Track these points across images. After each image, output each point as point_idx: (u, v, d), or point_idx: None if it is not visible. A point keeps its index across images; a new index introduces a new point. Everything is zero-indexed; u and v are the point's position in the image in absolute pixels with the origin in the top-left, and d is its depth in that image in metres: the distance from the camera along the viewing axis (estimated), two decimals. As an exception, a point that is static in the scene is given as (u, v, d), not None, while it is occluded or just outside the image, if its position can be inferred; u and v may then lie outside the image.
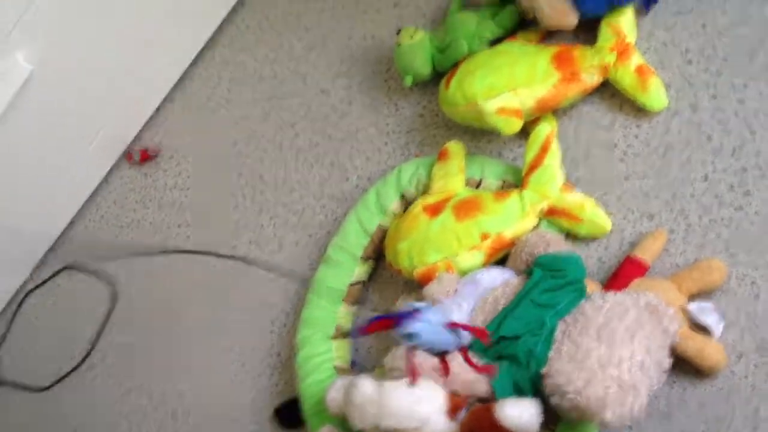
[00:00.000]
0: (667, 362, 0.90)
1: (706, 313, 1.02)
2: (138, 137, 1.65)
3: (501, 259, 1.17)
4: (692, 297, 1.06)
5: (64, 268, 1.67)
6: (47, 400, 1.59)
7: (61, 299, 1.66)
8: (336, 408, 1.05)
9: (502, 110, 1.17)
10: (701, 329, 1.03)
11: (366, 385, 0.93)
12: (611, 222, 1.16)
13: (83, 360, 1.57)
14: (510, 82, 1.17)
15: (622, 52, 1.15)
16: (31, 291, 1.69)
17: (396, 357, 1.02)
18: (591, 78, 1.17)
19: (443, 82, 1.26)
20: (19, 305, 1.69)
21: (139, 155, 1.63)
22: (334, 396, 1.06)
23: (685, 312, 1.02)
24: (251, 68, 1.58)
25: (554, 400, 0.90)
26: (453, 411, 0.92)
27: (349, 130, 1.45)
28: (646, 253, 1.09)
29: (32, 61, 1.30)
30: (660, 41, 1.20)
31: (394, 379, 0.95)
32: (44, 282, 1.68)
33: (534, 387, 0.94)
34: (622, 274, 1.09)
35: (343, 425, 1.07)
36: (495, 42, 1.27)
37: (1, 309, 1.69)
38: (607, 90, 1.20)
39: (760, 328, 1.04)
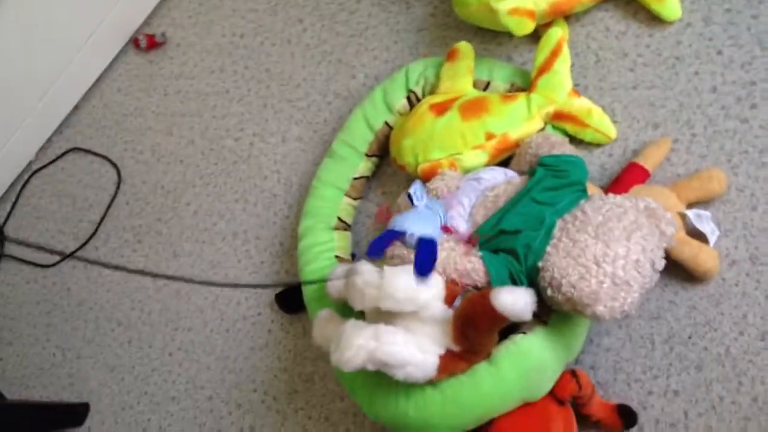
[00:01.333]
0: (661, 263, 0.92)
1: (703, 220, 1.05)
2: (146, 24, 1.63)
3: (504, 160, 1.19)
4: (691, 205, 1.08)
5: (70, 150, 1.68)
6: (52, 277, 1.63)
7: (66, 180, 1.68)
8: (336, 293, 1.08)
9: (515, 10, 1.16)
10: (697, 236, 1.05)
11: (367, 269, 0.96)
12: (616, 130, 1.17)
13: (88, 240, 1.60)
14: (525, -18, 1.16)
15: (640, -40, 1.15)
16: (37, 171, 1.71)
17: (396, 246, 1.04)
18: (606, -17, 1.16)
19: (458, -19, 1.25)
20: (24, 185, 1.71)
21: (146, 42, 1.62)
22: (335, 281, 1.08)
23: (683, 218, 1.05)
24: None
25: (548, 293, 0.93)
26: (450, 298, 0.95)
27: (358, 27, 1.44)
28: (648, 161, 1.11)
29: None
30: (679, -49, 1.19)
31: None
32: (50, 162, 1.70)
33: (529, 281, 0.96)
34: (624, 179, 1.11)
35: (342, 310, 1.10)
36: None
37: (6, 188, 1.70)
38: (622, -2, 1.20)
39: (755, 238, 1.07)
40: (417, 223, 1.01)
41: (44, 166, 1.70)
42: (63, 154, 1.69)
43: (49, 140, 1.69)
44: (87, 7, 1.51)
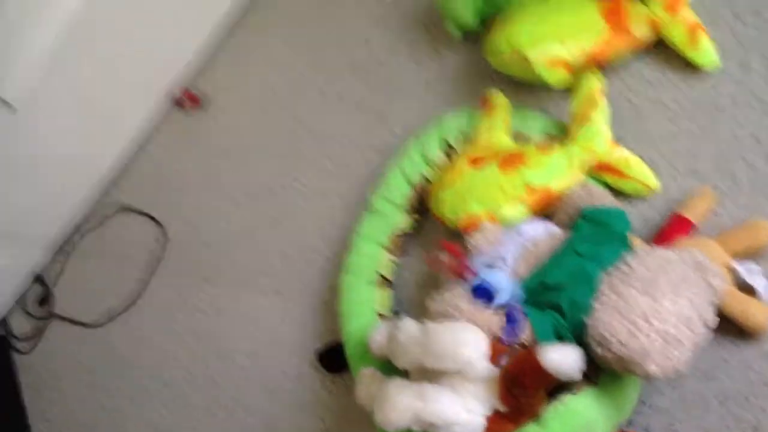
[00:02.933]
0: (713, 319, 0.90)
1: (753, 274, 1.02)
2: (188, 84, 1.67)
3: (545, 214, 1.18)
4: (737, 258, 1.05)
5: (117, 211, 1.71)
6: (100, 335, 1.65)
7: (113, 241, 1.71)
8: (378, 350, 1.08)
9: (551, 62, 1.17)
10: (747, 290, 1.02)
11: (411, 325, 0.96)
12: (657, 181, 1.16)
13: (134, 300, 1.63)
14: (557, 31, 1.17)
15: (674, 7, 1.14)
16: (85, 233, 1.74)
17: (438, 302, 1.04)
18: (640, 31, 1.16)
19: (490, 30, 1.26)
20: (73, 246, 1.74)
21: (189, 101, 1.66)
22: (377, 338, 1.08)
23: (732, 271, 1.02)
24: (295, 19, 1.60)
25: (597, 351, 0.91)
26: (495, 356, 0.94)
27: (391, 79, 1.45)
28: (692, 212, 1.09)
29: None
30: (711, 0, 1.19)
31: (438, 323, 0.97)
32: (98, 224, 1.73)
33: (575, 337, 0.95)
34: (668, 231, 1.09)
35: (385, 368, 1.10)
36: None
37: (57, 249, 1.74)
38: (657, 48, 1.20)
39: (807, 292, 1.04)
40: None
41: (92, 228, 1.73)
42: (111, 216, 1.72)
43: (97, 202, 1.72)
44: (129, 68, 1.55)
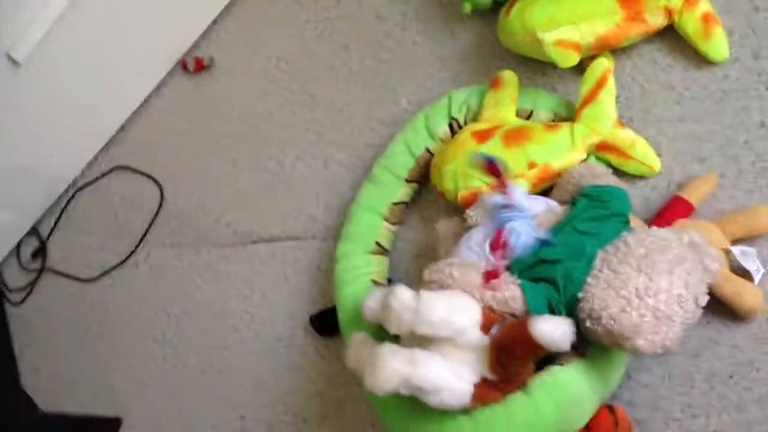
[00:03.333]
0: (704, 299, 0.90)
1: (749, 257, 1.03)
2: (194, 47, 1.66)
3: (546, 190, 1.18)
4: (736, 241, 1.06)
5: (114, 168, 1.71)
6: (92, 291, 1.66)
7: (109, 197, 1.71)
8: (371, 316, 1.08)
9: (560, 42, 1.16)
10: (742, 273, 1.03)
11: (404, 292, 0.95)
12: (661, 162, 1.16)
13: (129, 255, 1.63)
14: (572, 15, 1.16)
15: (691, -1, 1.14)
16: (81, 188, 1.74)
17: (433, 271, 1.04)
18: (655, 20, 1.15)
19: (503, 10, 1.25)
20: (69, 201, 1.74)
21: (194, 64, 1.65)
22: (371, 305, 1.08)
23: (728, 254, 1.03)
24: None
25: (588, 325, 0.91)
26: (487, 326, 0.94)
27: (403, 55, 1.44)
28: (693, 195, 1.09)
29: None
30: (728, -15, 1.18)
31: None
32: (94, 180, 1.73)
33: (568, 311, 0.95)
34: (667, 212, 1.09)
35: (377, 334, 1.10)
36: (560, -26, 1.25)
37: (52, 203, 1.74)
38: (670, 31, 1.19)
39: (802, 277, 1.04)
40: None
41: (89, 183, 1.73)
42: (108, 172, 1.72)
43: (95, 158, 1.72)
44: (137, 30, 1.54)
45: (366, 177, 1.36)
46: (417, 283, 1.10)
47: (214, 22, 1.65)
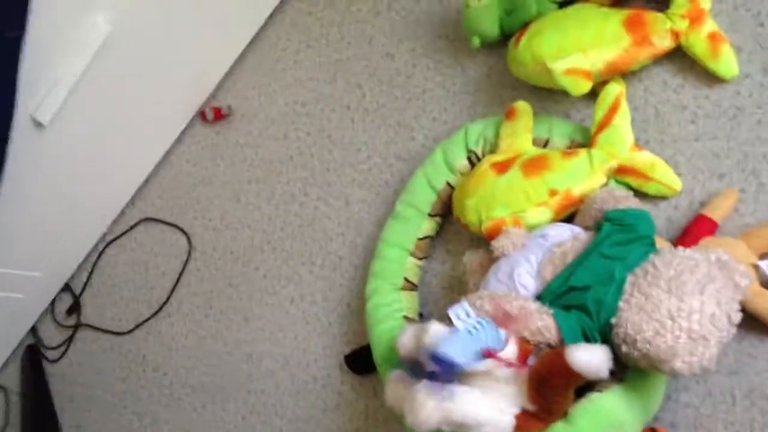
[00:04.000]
0: (737, 316, 0.91)
1: (777, 271, 1.03)
2: (212, 97, 1.70)
3: (568, 217, 1.19)
4: (763, 256, 1.06)
5: (142, 221, 1.74)
6: (128, 343, 1.68)
7: (138, 250, 1.74)
8: (406, 352, 1.09)
9: (570, 71, 1.18)
10: (772, 288, 1.03)
11: (437, 328, 0.97)
12: (681, 182, 1.17)
13: (161, 307, 1.65)
14: (579, 43, 1.18)
15: (695, 19, 1.15)
16: (111, 242, 1.77)
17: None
18: (662, 42, 1.17)
19: (512, 41, 1.27)
20: (99, 255, 1.77)
21: (213, 114, 1.68)
22: (405, 341, 1.09)
23: (757, 269, 1.03)
24: (317, 32, 1.61)
25: (623, 350, 0.92)
26: (523, 357, 0.96)
27: (415, 91, 1.47)
28: (715, 212, 1.10)
29: (111, 23, 1.36)
30: (731, 4, 1.19)
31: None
32: (123, 233, 1.76)
33: (602, 337, 0.96)
34: (692, 232, 1.10)
35: (414, 370, 1.11)
36: (564, 4, 1.27)
37: (83, 259, 1.77)
38: (678, 52, 1.20)
39: (830, 287, 1.04)
40: (452, 347, 0.95)
41: (117, 237, 1.76)
42: (135, 225, 1.75)
43: (122, 212, 1.75)
44: (157, 84, 1.57)
45: (389, 214, 1.37)
46: (448, 316, 1.11)
47: (230, 71, 1.68)
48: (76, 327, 1.77)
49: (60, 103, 1.41)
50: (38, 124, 1.42)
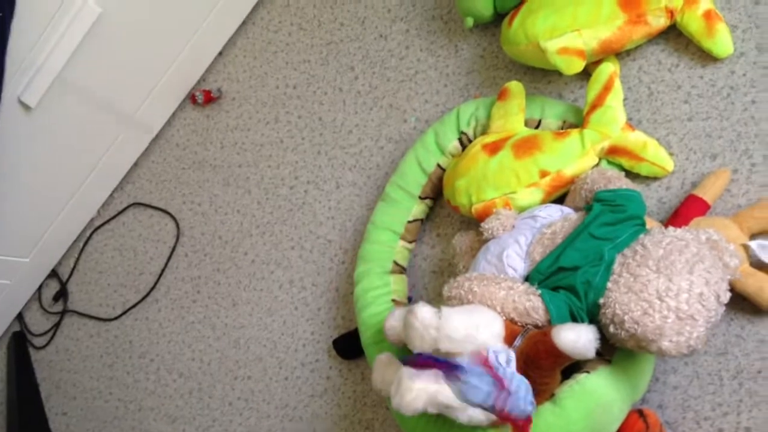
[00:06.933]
0: (726, 296, 0.89)
1: (767, 251, 1.02)
2: (202, 80, 1.68)
3: (560, 198, 1.18)
4: (754, 236, 1.05)
5: (130, 205, 1.73)
6: (115, 329, 1.67)
7: (126, 235, 1.72)
8: (394, 336, 1.08)
9: (564, 50, 1.16)
10: (762, 268, 1.02)
11: (425, 310, 0.95)
12: (673, 162, 1.15)
13: (149, 292, 1.64)
14: (573, 22, 1.16)
15: (691, -2, 1.13)
16: (99, 227, 1.75)
17: (453, 287, 1.04)
18: (657, 21, 1.15)
19: (506, 21, 1.26)
20: (87, 241, 1.76)
21: (203, 97, 1.67)
22: (393, 324, 1.08)
23: (746, 249, 1.02)
24: (310, 13, 1.59)
25: (611, 330, 0.91)
26: (510, 338, 0.94)
27: (408, 72, 1.45)
28: (707, 192, 1.09)
29: (101, 4, 1.34)
30: (728, -19, 1.18)
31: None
32: (111, 218, 1.74)
33: (590, 318, 0.95)
34: (683, 212, 1.08)
35: (401, 354, 1.10)
36: (559, -16, 1.25)
37: (70, 245, 1.75)
38: (673, 31, 1.19)
39: (821, 268, 1.03)
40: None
41: (106, 222, 1.75)
42: (124, 210, 1.73)
43: (110, 197, 1.74)
44: (145, 67, 1.56)
45: (379, 197, 1.36)
46: (437, 299, 1.10)
47: (220, 54, 1.67)
48: (63, 313, 1.75)
49: (47, 86, 1.39)
50: (26, 107, 1.40)
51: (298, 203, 1.52)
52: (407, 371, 0.93)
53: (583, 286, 0.95)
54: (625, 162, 1.16)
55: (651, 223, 1.06)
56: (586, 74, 1.21)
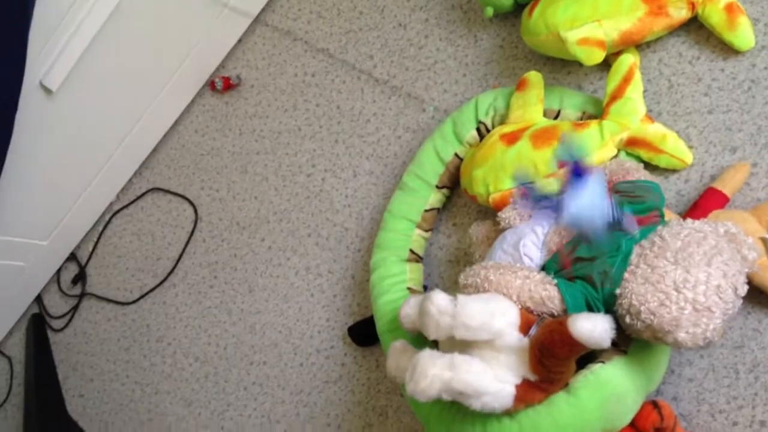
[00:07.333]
0: (744, 288, 0.89)
1: (786, 245, 1.01)
2: (221, 66, 1.69)
3: (577, 188, 1.17)
4: (773, 230, 1.05)
5: (149, 190, 1.74)
6: (133, 313, 1.68)
7: (145, 220, 1.74)
8: (409, 323, 1.08)
9: (584, 40, 1.16)
10: (780, 262, 1.01)
11: (441, 298, 0.95)
12: (692, 155, 1.15)
13: (167, 277, 1.65)
14: (594, 12, 1.16)
15: (713, -11, 1.13)
16: (118, 212, 1.77)
17: (469, 275, 1.04)
18: (678, 13, 1.15)
19: (526, 10, 1.25)
20: (106, 225, 1.77)
21: (222, 84, 1.67)
22: (408, 312, 1.08)
23: (765, 243, 1.01)
24: (330, 1, 1.59)
25: (627, 321, 0.90)
26: (525, 327, 0.94)
27: (427, 62, 1.45)
28: (726, 186, 1.08)
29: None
30: (750, -26, 1.17)
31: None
32: (130, 203, 1.76)
33: (606, 308, 0.94)
34: (702, 204, 1.08)
35: (416, 341, 1.10)
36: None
37: (89, 228, 1.77)
38: (694, 23, 1.18)
39: (840, 264, 1.02)
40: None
41: (125, 207, 1.76)
42: (143, 195, 1.75)
43: (129, 182, 1.75)
44: (166, 53, 1.57)
45: (396, 185, 1.36)
46: (453, 288, 1.10)
47: (240, 41, 1.67)
48: (81, 296, 1.77)
49: (69, 70, 1.39)
50: (47, 91, 1.41)
51: (315, 191, 1.52)
52: (423, 356, 0.94)
53: (600, 276, 0.95)
54: (644, 154, 1.15)
55: (670, 215, 1.06)
56: (605, 65, 1.21)
